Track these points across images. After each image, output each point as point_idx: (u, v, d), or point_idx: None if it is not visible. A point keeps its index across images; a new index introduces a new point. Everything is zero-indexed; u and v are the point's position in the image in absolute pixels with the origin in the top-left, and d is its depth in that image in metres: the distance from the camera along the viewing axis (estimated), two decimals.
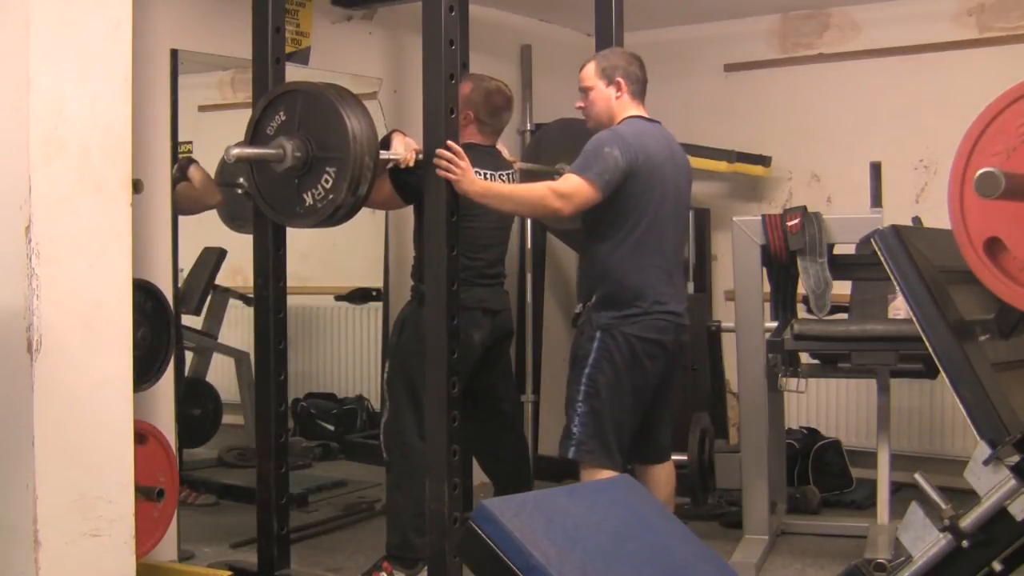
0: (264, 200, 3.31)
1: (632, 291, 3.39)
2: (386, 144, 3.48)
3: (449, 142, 3.19)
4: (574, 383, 3.43)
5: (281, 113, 3.19)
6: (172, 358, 3.66)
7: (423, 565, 3.55)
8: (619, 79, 3.49)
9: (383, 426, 3.83)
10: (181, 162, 4.10)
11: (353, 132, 3.04)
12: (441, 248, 3.08)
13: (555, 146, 4.27)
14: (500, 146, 3.88)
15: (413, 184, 3.47)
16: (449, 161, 3.18)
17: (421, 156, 3.38)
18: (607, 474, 3.33)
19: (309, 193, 3.14)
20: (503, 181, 3.71)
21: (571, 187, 3.30)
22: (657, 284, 3.43)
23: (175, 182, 3.98)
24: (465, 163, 3.21)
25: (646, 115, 3.54)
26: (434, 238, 3.10)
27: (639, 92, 3.53)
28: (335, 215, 3.12)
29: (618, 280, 3.40)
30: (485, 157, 3.69)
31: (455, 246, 3.10)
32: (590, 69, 3.54)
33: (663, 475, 3.63)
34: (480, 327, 3.68)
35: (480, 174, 3.62)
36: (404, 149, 3.46)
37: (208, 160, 4.73)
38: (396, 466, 3.72)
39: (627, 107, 3.51)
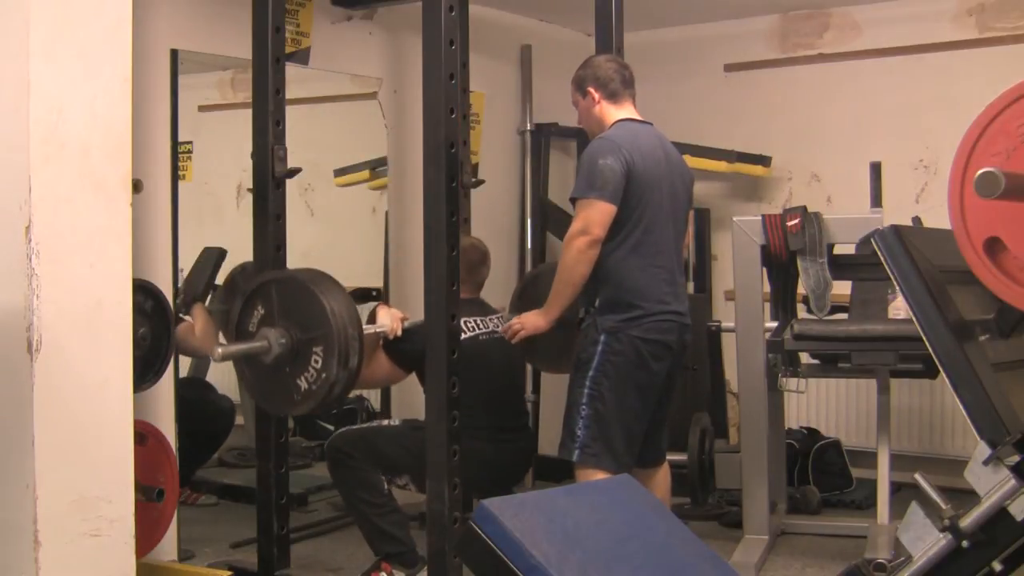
0: (261, 396, 3.31)
1: (634, 292, 3.39)
2: (371, 319, 3.57)
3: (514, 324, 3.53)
4: (577, 386, 3.41)
5: (259, 308, 3.18)
6: (172, 358, 3.65)
7: (423, 565, 3.55)
8: (590, 88, 3.52)
9: (339, 432, 3.76)
10: (186, 296, 4.08)
11: (331, 308, 3.04)
12: (441, 248, 3.08)
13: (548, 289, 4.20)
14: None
15: (409, 351, 3.54)
16: (514, 332, 3.53)
17: (408, 324, 3.55)
18: (603, 476, 3.31)
19: (302, 378, 3.12)
20: (495, 323, 3.78)
21: (584, 219, 3.33)
22: (659, 284, 3.43)
23: (178, 316, 3.95)
24: (517, 321, 3.53)
25: (636, 116, 3.53)
26: (434, 238, 3.10)
27: (618, 92, 3.51)
28: (331, 393, 3.09)
29: (620, 282, 3.39)
30: (473, 307, 3.75)
31: (455, 246, 3.10)
32: (571, 85, 3.58)
33: (661, 477, 3.64)
34: (495, 482, 3.65)
35: (470, 322, 3.68)
36: (390, 320, 3.54)
37: (208, 160, 4.74)
38: (342, 477, 3.68)
39: (611, 111, 3.51)
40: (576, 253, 3.34)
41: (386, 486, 3.64)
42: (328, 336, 3.04)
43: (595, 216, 3.32)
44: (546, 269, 4.48)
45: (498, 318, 3.84)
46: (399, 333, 3.56)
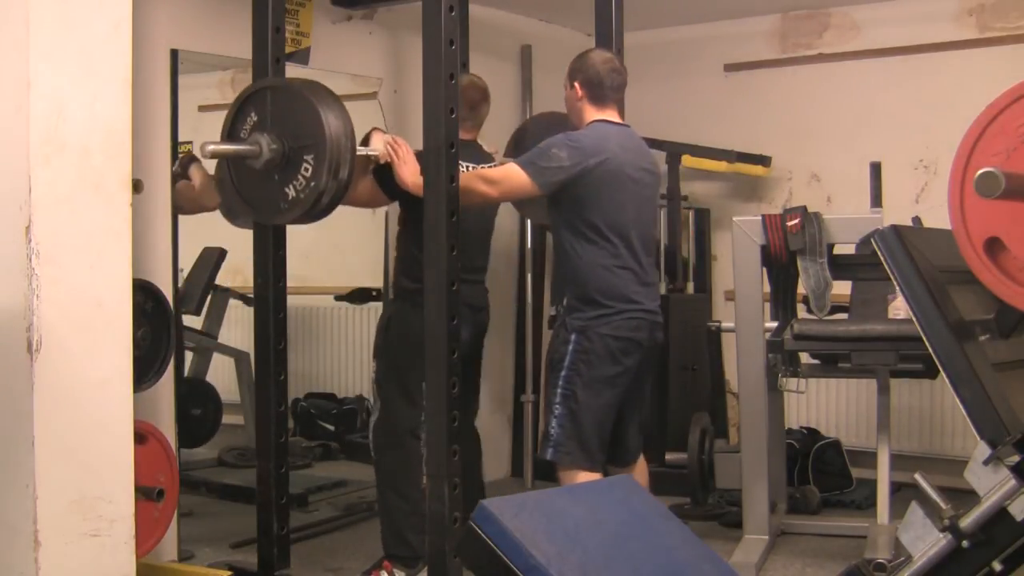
0: (246, 201, 3.30)
1: (603, 291, 3.41)
2: (365, 142, 3.56)
3: (396, 138, 3.51)
4: (552, 386, 3.45)
5: (252, 114, 3.19)
6: (172, 358, 3.66)
7: (423, 564, 3.57)
8: (577, 83, 3.54)
9: (373, 425, 3.86)
10: (183, 159, 4.09)
11: (326, 118, 3.05)
12: (441, 247, 3.08)
13: (539, 138, 4.26)
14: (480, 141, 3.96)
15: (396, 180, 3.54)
16: (395, 149, 3.47)
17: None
18: (584, 475, 3.37)
19: (291, 186, 3.13)
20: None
21: (501, 174, 3.40)
22: (628, 283, 3.45)
23: (176, 179, 3.98)
24: (404, 153, 3.46)
25: (614, 119, 3.55)
26: (434, 237, 3.10)
27: (603, 97, 3.52)
28: (319, 203, 3.11)
29: (587, 281, 3.42)
30: (466, 150, 3.72)
31: (455, 246, 3.10)
32: (567, 69, 3.61)
33: (638, 474, 3.65)
34: (466, 323, 3.70)
35: (463, 166, 3.67)
36: (382, 145, 3.55)
37: (208, 160, 4.73)
38: (388, 465, 3.75)
39: (590, 111, 3.53)
40: (472, 193, 3.33)
41: (424, 480, 3.65)
42: (320, 145, 3.05)
43: (515, 184, 3.37)
44: (536, 120, 4.53)
45: (488, 167, 3.83)
46: (390, 160, 3.57)
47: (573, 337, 3.41)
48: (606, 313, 3.40)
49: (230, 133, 3.23)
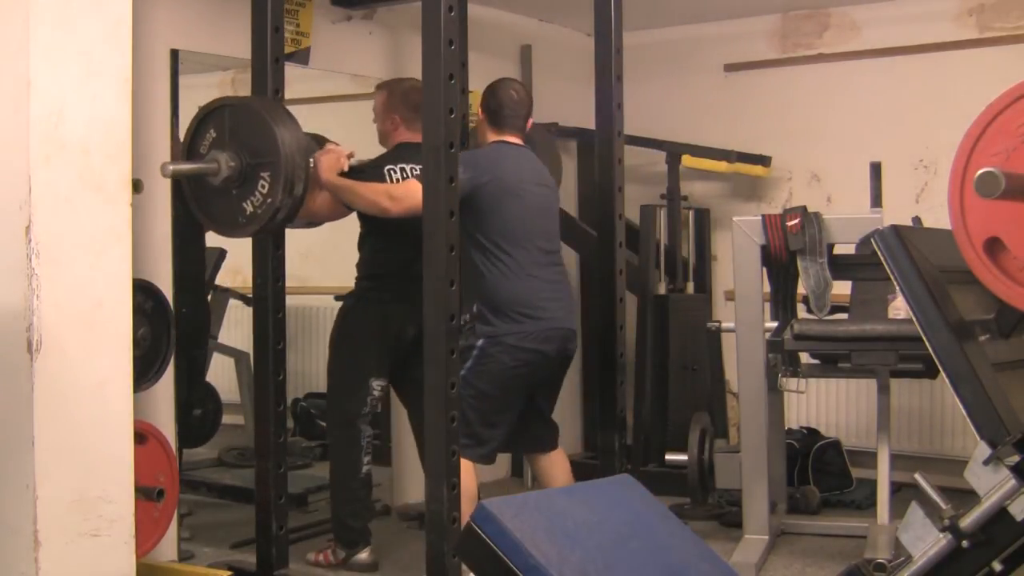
0: (206, 215, 3.37)
1: (511, 303, 3.54)
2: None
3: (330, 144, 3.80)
4: None
5: (211, 131, 3.26)
6: (173, 358, 3.66)
7: (363, 547, 3.88)
8: (479, 109, 3.76)
9: (325, 412, 4.02)
10: None
11: (281, 136, 3.14)
12: (440, 247, 3.07)
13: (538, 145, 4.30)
14: None
15: None
16: (332, 155, 3.70)
17: (354, 161, 3.76)
18: (468, 465, 3.45)
19: (248, 201, 3.21)
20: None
21: (403, 191, 3.56)
22: (535, 292, 3.58)
23: None
24: (330, 146, 3.75)
25: (513, 141, 3.72)
26: (433, 237, 3.10)
27: (507, 122, 3.71)
28: (275, 218, 3.19)
29: (496, 293, 3.54)
30: (413, 153, 3.82)
31: (454, 246, 3.10)
32: (479, 98, 3.80)
33: (557, 461, 3.79)
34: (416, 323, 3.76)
35: (407, 168, 3.88)
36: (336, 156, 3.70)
37: None
38: (337, 453, 3.99)
39: (491, 133, 3.72)
40: (374, 202, 3.60)
41: (364, 469, 3.89)
42: (276, 163, 3.14)
43: (411, 201, 3.44)
44: (536, 128, 4.64)
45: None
46: (345, 168, 3.71)
47: (480, 343, 3.54)
48: (516, 324, 3.53)
49: (190, 148, 3.30)
